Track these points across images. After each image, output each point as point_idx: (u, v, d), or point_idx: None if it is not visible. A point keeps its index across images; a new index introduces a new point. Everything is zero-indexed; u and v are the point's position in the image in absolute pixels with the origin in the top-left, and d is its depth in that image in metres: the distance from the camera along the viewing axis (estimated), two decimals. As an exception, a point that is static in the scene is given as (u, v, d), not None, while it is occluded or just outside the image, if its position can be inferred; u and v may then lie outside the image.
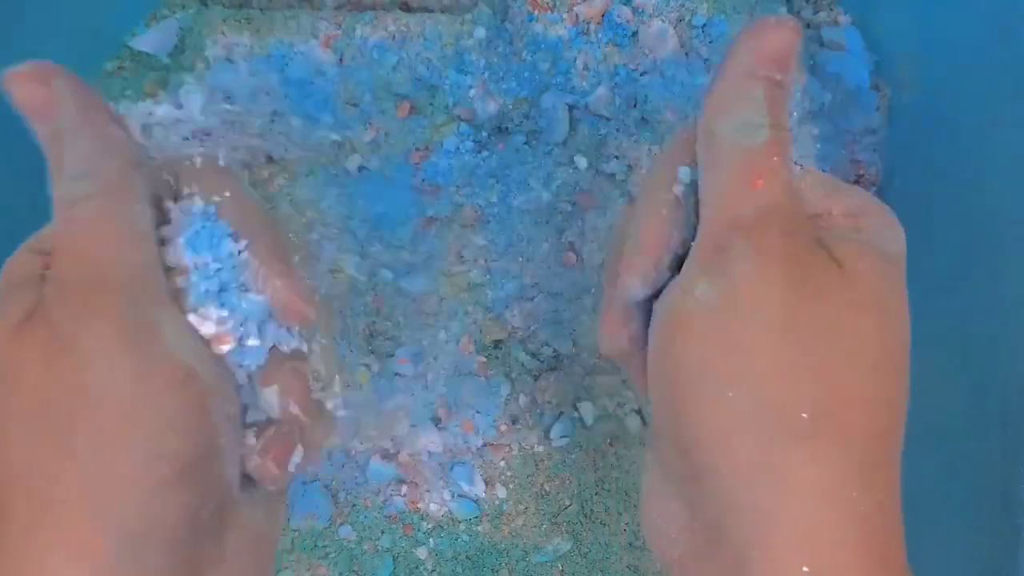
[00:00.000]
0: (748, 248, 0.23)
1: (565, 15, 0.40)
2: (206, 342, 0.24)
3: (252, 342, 0.25)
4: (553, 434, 0.40)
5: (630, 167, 0.40)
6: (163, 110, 0.38)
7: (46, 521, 0.21)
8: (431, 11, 0.40)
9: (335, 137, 0.39)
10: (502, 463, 0.41)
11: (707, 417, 0.23)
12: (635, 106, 0.40)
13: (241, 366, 0.25)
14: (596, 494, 0.41)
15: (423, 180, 0.40)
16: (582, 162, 0.40)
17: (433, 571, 0.41)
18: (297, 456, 0.27)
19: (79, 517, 0.21)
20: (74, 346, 0.21)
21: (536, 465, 0.41)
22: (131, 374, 0.22)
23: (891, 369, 0.23)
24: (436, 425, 0.40)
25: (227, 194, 0.25)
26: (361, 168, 0.40)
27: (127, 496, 0.22)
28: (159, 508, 0.22)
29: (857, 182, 0.41)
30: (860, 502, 0.22)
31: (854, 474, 0.22)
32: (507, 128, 0.40)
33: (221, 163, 0.26)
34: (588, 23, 0.40)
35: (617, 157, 0.40)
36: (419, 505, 0.41)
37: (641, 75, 0.40)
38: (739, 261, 0.23)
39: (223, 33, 0.39)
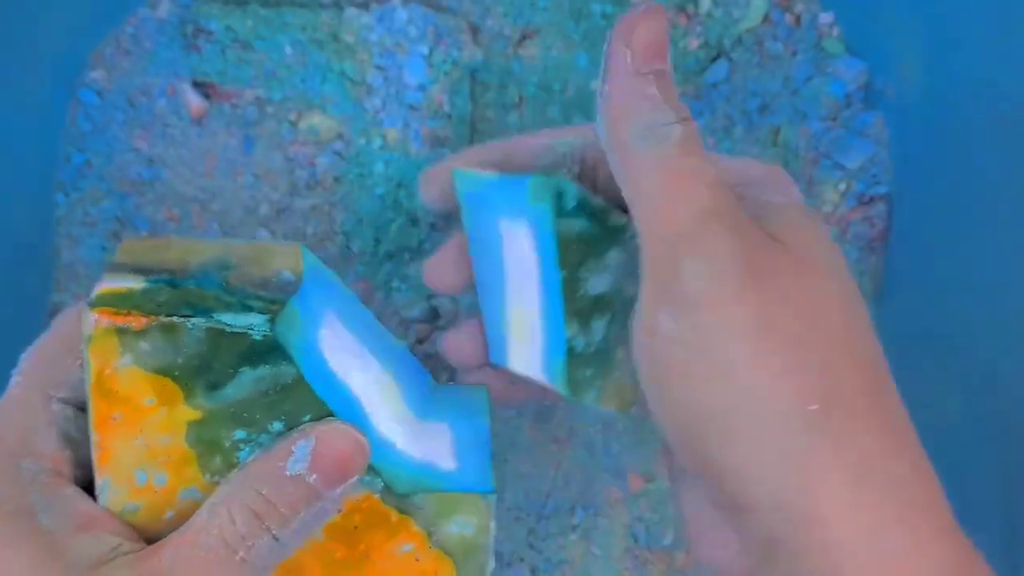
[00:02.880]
0: (698, 265, 0.22)
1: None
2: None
3: None
4: None
5: None
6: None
7: None
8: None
9: None
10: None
11: (728, 452, 0.22)
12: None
13: None
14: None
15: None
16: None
17: None
18: None
19: None
20: None
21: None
22: None
23: (864, 331, 0.23)
24: None
25: None
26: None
27: None
28: None
29: (865, 195, 0.41)
30: (893, 469, 0.22)
31: (875, 446, 0.22)
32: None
33: None
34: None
35: None
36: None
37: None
38: (693, 282, 0.22)
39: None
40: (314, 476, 0.24)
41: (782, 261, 0.23)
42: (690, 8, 0.42)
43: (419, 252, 0.41)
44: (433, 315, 0.41)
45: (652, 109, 0.23)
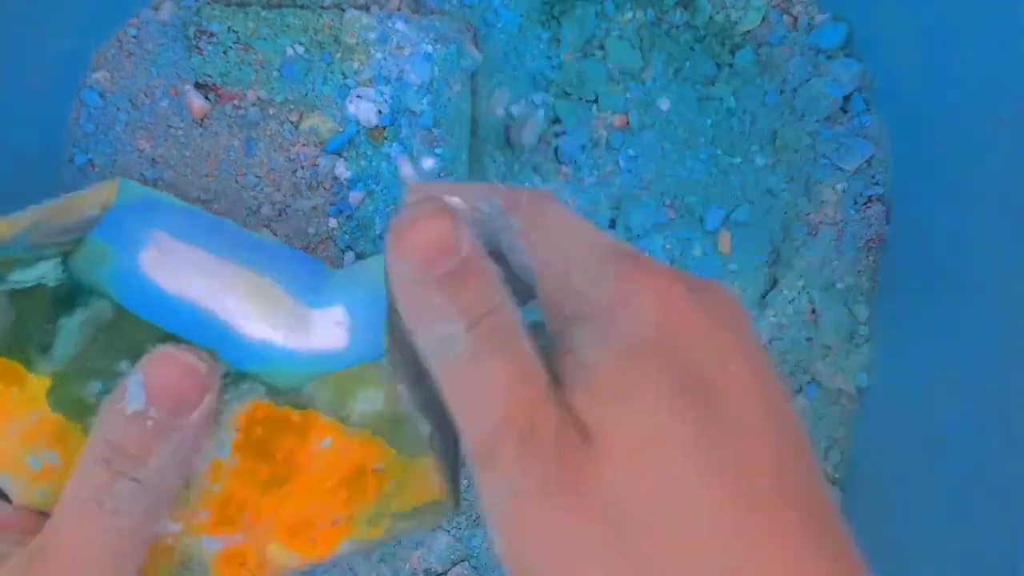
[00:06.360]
0: (492, 486, 0.20)
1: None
2: None
3: None
4: None
5: None
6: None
7: None
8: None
9: None
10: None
11: None
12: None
13: None
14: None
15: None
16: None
17: None
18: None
19: None
20: None
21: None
22: None
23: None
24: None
25: None
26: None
27: None
28: None
29: (863, 196, 0.41)
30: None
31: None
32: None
33: None
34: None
35: None
36: None
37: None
38: (488, 496, 0.21)
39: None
40: (153, 409, 0.23)
41: (588, 463, 0.20)
42: (689, 10, 0.42)
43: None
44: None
45: (437, 320, 0.21)
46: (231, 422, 0.25)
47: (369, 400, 0.25)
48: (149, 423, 0.23)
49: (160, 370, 0.23)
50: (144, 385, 0.23)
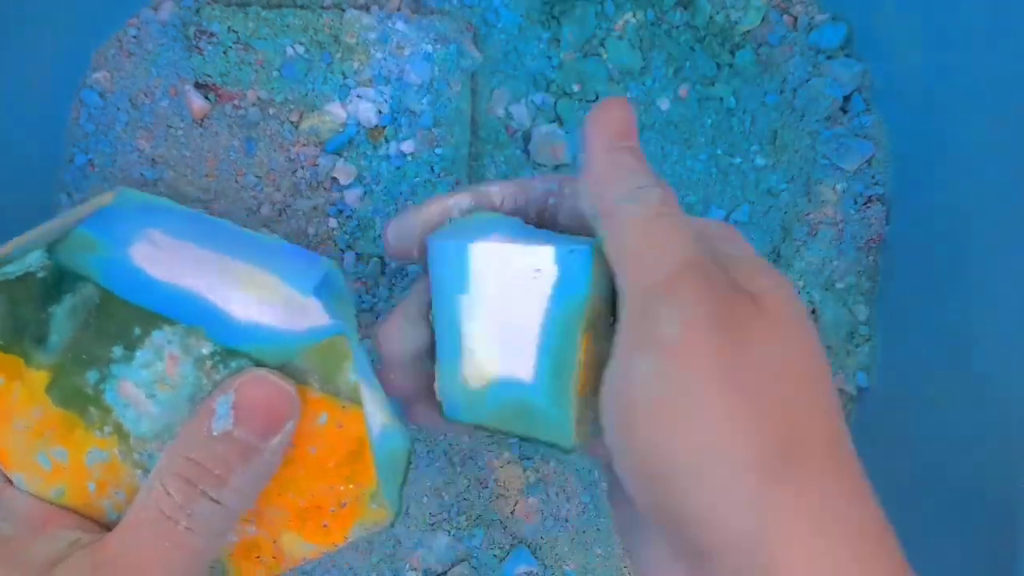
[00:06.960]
0: (674, 312, 0.22)
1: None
2: None
3: None
4: None
5: None
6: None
7: None
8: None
9: None
10: None
11: (692, 499, 0.22)
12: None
13: None
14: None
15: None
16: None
17: None
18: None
19: None
20: None
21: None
22: None
23: (824, 380, 0.24)
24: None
25: None
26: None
27: None
28: None
29: (863, 196, 0.41)
30: (851, 516, 0.22)
31: (833, 494, 0.22)
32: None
33: None
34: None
35: None
36: None
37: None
38: (668, 328, 0.22)
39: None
40: (240, 430, 0.24)
41: (752, 311, 0.23)
42: (689, 10, 0.42)
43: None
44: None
45: (632, 174, 0.25)
46: None
47: (352, 372, 0.26)
48: (233, 445, 0.23)
49: (253, 391, 0.24)
50: (235, 405, 0.24)
